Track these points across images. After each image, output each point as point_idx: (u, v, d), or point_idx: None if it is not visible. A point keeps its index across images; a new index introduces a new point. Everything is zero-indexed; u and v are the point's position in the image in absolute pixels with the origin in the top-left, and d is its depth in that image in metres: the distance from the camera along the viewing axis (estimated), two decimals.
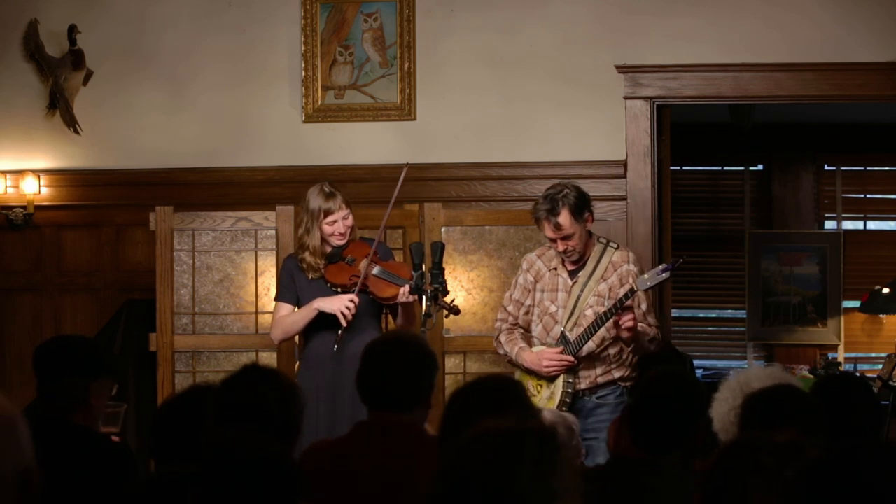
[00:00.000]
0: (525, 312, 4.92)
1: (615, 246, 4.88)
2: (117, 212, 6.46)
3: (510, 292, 5.00)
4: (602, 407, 4.73)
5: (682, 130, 7.20)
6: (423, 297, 4.64)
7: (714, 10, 6.13)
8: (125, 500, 3.07)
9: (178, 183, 6.36)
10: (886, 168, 9.11)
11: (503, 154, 6.22)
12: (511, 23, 6.23)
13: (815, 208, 9.03)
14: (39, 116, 6.49)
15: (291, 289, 4.99)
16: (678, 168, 8.62)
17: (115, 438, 3.49)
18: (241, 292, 5.80)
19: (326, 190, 4.92)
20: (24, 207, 6.47)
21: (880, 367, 7.17)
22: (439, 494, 1.85)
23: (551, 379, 4.77)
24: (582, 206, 4.73)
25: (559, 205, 4.69)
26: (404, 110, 6.26)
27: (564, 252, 4.77)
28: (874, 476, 1.82)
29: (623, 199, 6.06)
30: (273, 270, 5.74)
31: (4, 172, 6.52)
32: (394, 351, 3.18)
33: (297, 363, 5.69)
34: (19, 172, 6.48)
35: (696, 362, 7.84)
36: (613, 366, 4.80)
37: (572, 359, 4.71)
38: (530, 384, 4.80)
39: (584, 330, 4.69)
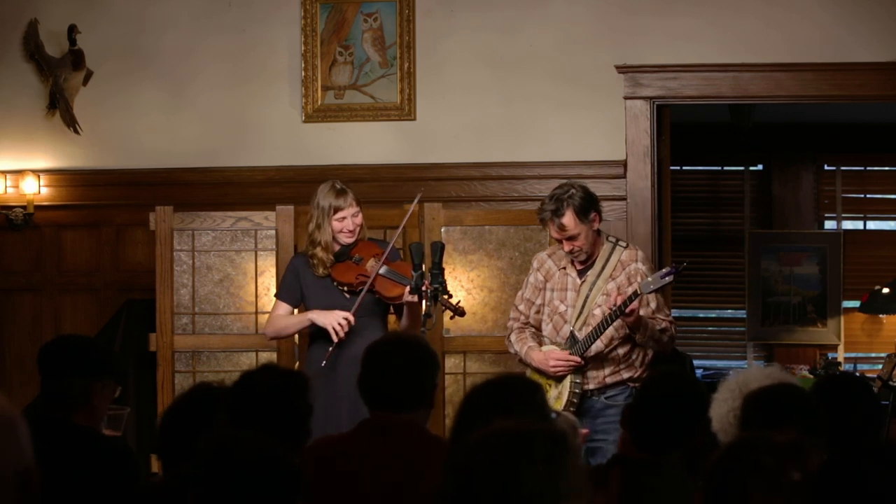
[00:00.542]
0: (536, 312, 4.92)
1: (624, 245, 4.87)
2: (117, 212, 6.46)
3: (521, 291, 5.01)
4: (611, 408, 4.71)
5: (682, 130, 7.20)
6: (423, 297, 4.64)
7: (714, 10, 6.13)
8: (128, 502, 3.07)
9: (178, 183, 6.36)
10: (886, 168, 9.11)
11: (503, 154, 6.22)
12: (511, 23, 6.23)
13: (815, 208, 9.03)
14: (39, 116, 6.49)
15: (293, 289, 4.99)
16: (678, 168, 8.62)
17: None
18: (241, 292, 5.80)
19: (338, 187, 4.94)
20: (24, 207, 6.47)
21: (880, 367, 7.17)
22: (448, 494, 1.85)
23: (559, 379, 4.76)
24: (588, 206, 4.72)
25: (563, 206, 4.69)
26: (404, 110, 6.26)
27: (571, 252, 4.77)
28: (875, 477, 1.82)
29: (623, 199, 6.06)
30: (273, 270, 5.74)
31: (4, 172, 6.52)
32: (395, 351, 3.17)
33: (297, 363, 5.70)
34: (19, 172, 6.48)
35: (696, 362, 7.84)
36: (622, 366, 4.79)
37: (579, 359, 4.71)
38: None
39: (592, 330, 4.69)
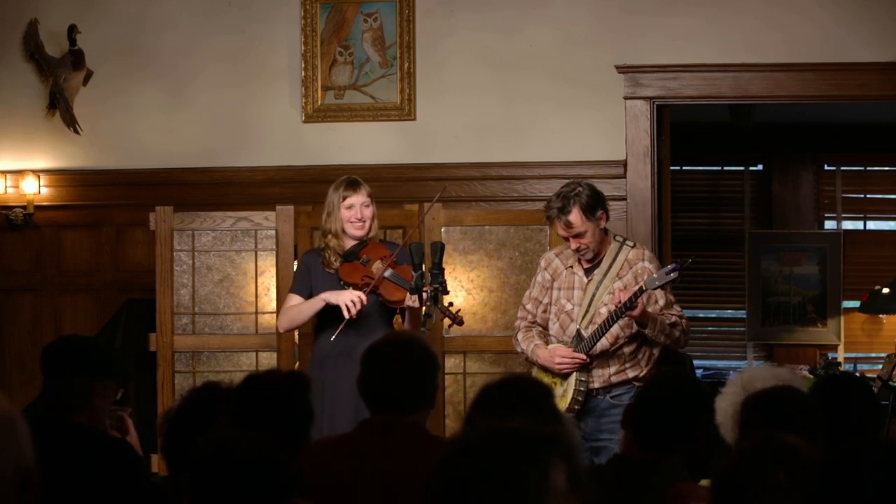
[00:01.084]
0: (543, 311, 4.93)
1: (631, 244, 4.88)
2: (117, 212, 6.46)
3: (529, 291, 5.02)
4: (616, 407, 4.71)
5: (682, 130, 7.20)
6: (423, 297, 4.64)
7: (714, 10, 6.13)
8: (130, 501, 3.07)
9: (178, 183, 6.36)
10: (886, 168, 9.11)
11: (503, 154, 6.22)
12: (511, 23, 6.23)
13: (815, 208, 9.03)
14: (39, 116, 6.49)
15: (305, 282, 5.03)
16: (678, 168, 8.62)
17: None
18: (241, 292, 5.80)
19: (350, 179, 5.01)
20: (24, 207, 6.47)
21: (880, 367, 7.17)
22: (438, 492, 1.85)
23: (565, 377, 4.76)
24: (594, 204, 4.73)
25: (570, 203, 4.70)
26: (404, 110, 6.26)
27: (578, 250, 4.77)
28: (875, 477, 1.82)
29: (623, 199, 6.06)
30: (273, 270, 5.75)
31: (4, 172, 6.52)
32: (395, 353, 3.15)
33: (297, 363, 5.70)
34: (19, 172, 6.48)
35: (696, 362, 7.84)
36: (628, 365, 4.79)
37: (584, 357, 4.71)
38: (544, 381, 4.79)
39: (597, 328, 4.69)
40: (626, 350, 4.79)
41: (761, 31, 6.09)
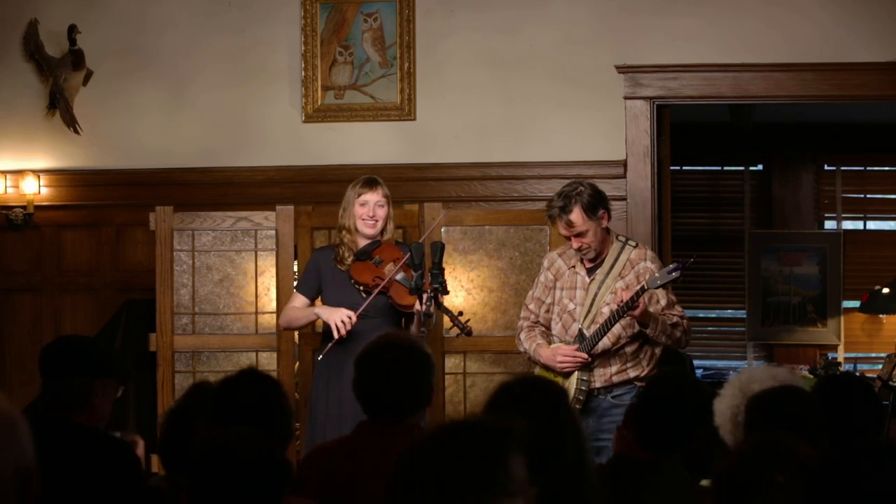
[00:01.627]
0: (546, 310, 4.93)
1: (633, 244, 4.88)
2: (117, 212, 6.46)
3: (532, 290, 5.03)
4: (618, 407, 4.70)
5: (682, 130, 7.20)
6: (423, 297, 4.64)
7: (714, 10, 6.13)
8: (130, 501, 3.07)
9: (178, 183, 6.36)
10: (886, 168, 9.11)
11: (503, 154, 6.22)
12: (511, 23, 6.23)
13: (815, 208, 9.03)
14: (39, 116, 6.49)
15: (312, 283, 5.06)
16: (678, 168, 8.62)
17: None
18: (241, 292, 5.80)
19: (369, 177, 5.05)
20: (24, 207, 6.47)
21: (880, 367, 7.16)
22: (397, 490, 1.86)
23: (566, 375, 4.77)
24: (596, 204, 4.74)
25: (572, 202, 4.71)
26: (404, 110, 6.26)
27: (579, 249, 4.78)
28: (875, 477, 1.82)
29: (623, 199, 6.06)
30: (273, 270, 5.75)
31: (4, 172, 6.52)
32: (389, 356, 3.14)
33: (297, 363, 5.70)
34: (19, 172, 6.48)
35: (696, 362, 7.84)
36: (629, 364, 4.78)
37: (586, 356, 4.71)
38: None
39: (599, 327, 4.69)
40: (628, 350, 4.79)
41: (761, 31, 6.09)
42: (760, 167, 9.13)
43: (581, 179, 4.97)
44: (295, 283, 5.45)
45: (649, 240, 5.99)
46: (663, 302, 4.78)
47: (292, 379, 5.72)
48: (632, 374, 4.79)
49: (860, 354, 8.80)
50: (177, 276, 5.76)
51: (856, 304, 8.69)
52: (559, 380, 4.79)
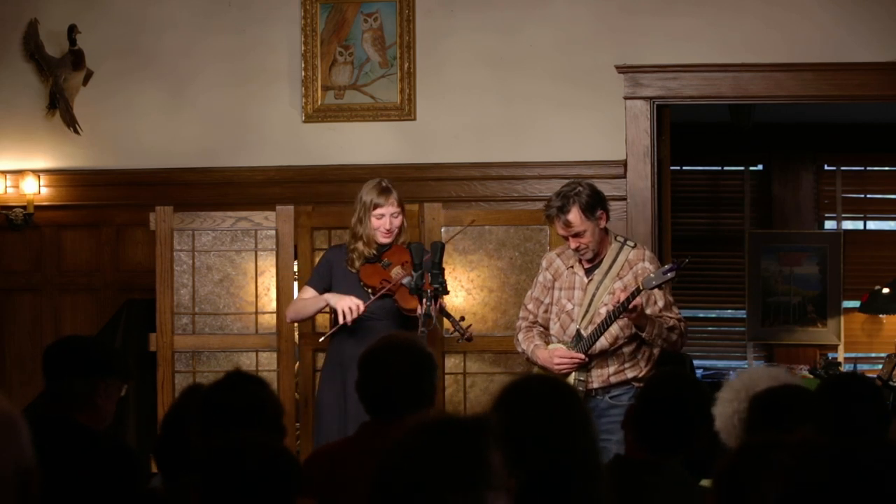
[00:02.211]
0: (544, 311, 4.93)
1: (632, 244, 4.88)
2: (117, 212, 6.46)
3: (531, 291, 5.03)
4: (615, 408, 4.71)
5: (682, 130, 7.19)
6: (423, 297, 4.65)
7: (714, 10, 6.13)
8: (131, 502, 3.07)
9: (178, 183, 6.36)
10: (886, 168, 9.11)
11: (503, 154, 6.22)
12: (511, 23, 6.23)
13: (815, 208, 9.03)
14: (39, 116, 6.49)
15: (323, 278, 5.08)
16: (678, 168, 8.62)
17: None
18: (241, 292, 5.80)
19: (383, 185, 5.04)
20: (24, 207, 6.47)
21: (880, 367, 7.16)
22: (380, 490, 1.86)
23: (564, 377, 4.77)
24: (594, 204, 4.74)
25: (570, 202, 4.71)
26: (404, 110, 6.26)
27: (577, 250, 4.78)
28: (874, 475, 1.82)
29: (623, 199, 6.06)
30: (273, 270, 5.75)
31: (4, 172, 6.52)
32: (391, 357, 3.16)
33: (297, 363, 5.70)
34: (19, 172, 6.48)
35: (696, 362, 7.84)
36: (627, 365, 4.78)
37: (583, 357, 4.71)
38: None
39: (595, 327, 4.69)
40: (626, 350, 4.79)
41: (761, 31, 6.09)
42: (760, 167, 9.13)
43: (580, 179, 4.97)
44: (296, 282, 5.47)
45: (649, 240, 5.99)
46: (661, 303, 4.77)
47: (292, 379, 5.72)
48: (630, 374, 4.78)
49: (860, 354, 8.80)
50: (177, 276, 5.76)
51: (856, 304, 8.69)
52: None
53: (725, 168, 9.28)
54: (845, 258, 8.84)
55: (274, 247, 5.76)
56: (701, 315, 9.15)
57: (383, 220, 4.98)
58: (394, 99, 6.27)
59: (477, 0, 6.25)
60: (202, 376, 5.58)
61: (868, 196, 9.07)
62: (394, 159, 6.26)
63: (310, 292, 5.10)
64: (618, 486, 2.92)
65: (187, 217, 5.79)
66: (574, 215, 4.70)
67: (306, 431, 5.52)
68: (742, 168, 9.15)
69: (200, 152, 6.40)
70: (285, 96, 6.35)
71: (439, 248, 4.68)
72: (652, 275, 4.60)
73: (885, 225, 9.12)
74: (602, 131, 6.15)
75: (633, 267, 4.81)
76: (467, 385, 5.68)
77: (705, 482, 3.15)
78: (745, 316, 8.98)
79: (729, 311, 9.21)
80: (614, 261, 4.82)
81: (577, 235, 4.73)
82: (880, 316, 8.69)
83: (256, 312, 5.77)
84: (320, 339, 5.00)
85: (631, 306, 4.54)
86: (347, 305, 4.84)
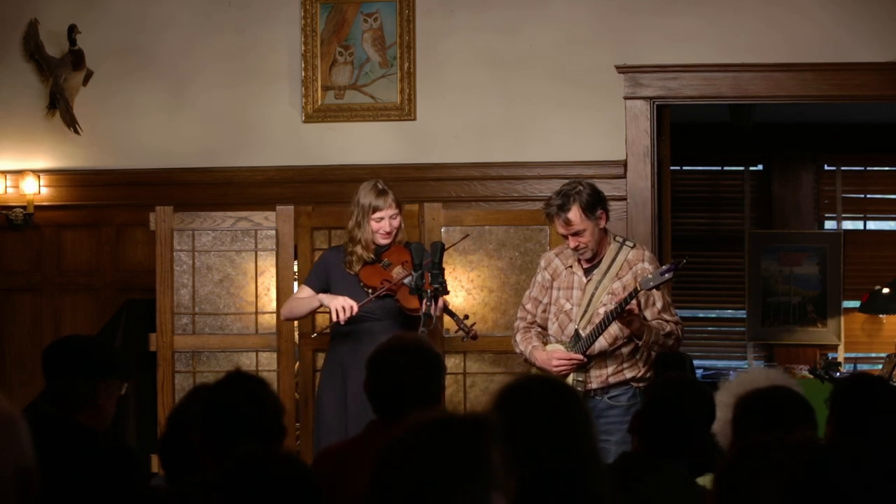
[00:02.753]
0: (543, 311, 4.93)
1: (631, 244, 4.88)
2: (117, 212, 6.46)
3: (529, 291, 5.03)
4: (614, 408, 4.71)
5: (682, 130, 7.19)
6: (423, 297, 4.65)
7: (714, 10, 6.13)
8: (131, 502, 3.07)
9: (178, 183, 6.36)
10: (886, 168, 9.11)
11: (503, 154, 6.22)
12: (511, 23, 6.23)
13: (815, 208, 9.03)
14: (39, 116, 6.49)
15: (320, 278, 5.07)
16: (678, 168, 8.62)
17: None
18: (241, 292, 5.80)
19: (379, 187, 5.02)
20: (24, 207, 6.47)
21: (880, 367, 7.16)
22: (378, 489, 1.85)
23: (563, 377, 4.77)
24: (594, 203, 4.74)
25: (570, 201, 4.71)
26: (404, 110, 6.26)
27: (576, 249, 4.78)
28: (873, 477, 1.82)
29: (623, 199, 6.06)
30: (273, 270, 5.75)
31: (4, 172, 6.52)
32: (400, 358, 3.17)
33: (297, 363, 5.71)
34: (19, 172, 6.48)
35: (696, 362, 7.83)
36: (626, 365, 4.78)
37: (581, 358, 4.71)
38: None
39: (594, 328, 4.69)
40: (625, 350, 4.79)
41: (761, 31, 6.09)
42: (760, 167, 9.13)
43: (580, 179, 4.97)
44: (296, 282, 5.47)
45: (649, 240, 5.99)
46: (659, 304, 4.77)
47: (292, 379, 5.72)
48: (628, 374, 4.78)
49: (860, 354, 8.80)
50: (177, 276, 5.76)
51: (856, 304, 8.69)
52: None
53: (725, 168, 9.28)
54: (845, 258, 8.84)
55: (274, 247, 5.76)
56: (701, 315, 9.15)
57: (383, 223, 4.98)
58: (394, 99, 6.27)
59: (477, 0, 6.25)
60: (202, 376, 5.58)
61: (868, 196, 9.07)
62: (394, 159, 6.26)
63: (306, 291, 5.10)
64: (622, 485, 2.92)
65: (187, 217, 5.79)
66: (574, 214, 4.70)
67: (306, 431, 5.53)
68: (742, 168, 9.15)
69: (200, 152, 6.40)
70: (285, 96, 6.35)
71: (439, 248, 4.68)
72: (650, 275, 4.60)
73: (885, 225, 9.13)
74: (602, 131, 6.15)
75: (632, 267, 4.81)
76: (467, 385, 5.68)
77: (701, 480, 3.15)
78: (745, 316, 8.98)
79: (729, 311, 9.21)
80: (613, 261, 4.82)
81: (576, 234, 4.73)
82: (880, 316, 8.69)
83: (256, 312, 5.78)
84: (312, 336, 5.00)
85: (627, 310, 4.53)
86: (341, 305, 4.85)
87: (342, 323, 4.85)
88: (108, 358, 3.33)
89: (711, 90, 6.14)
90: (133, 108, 6.45)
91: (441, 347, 5.52)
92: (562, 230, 4.77)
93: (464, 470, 1.80)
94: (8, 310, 6.58)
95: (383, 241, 5.00)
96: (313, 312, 5.22)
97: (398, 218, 5.02)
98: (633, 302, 4.55)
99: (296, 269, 5.68)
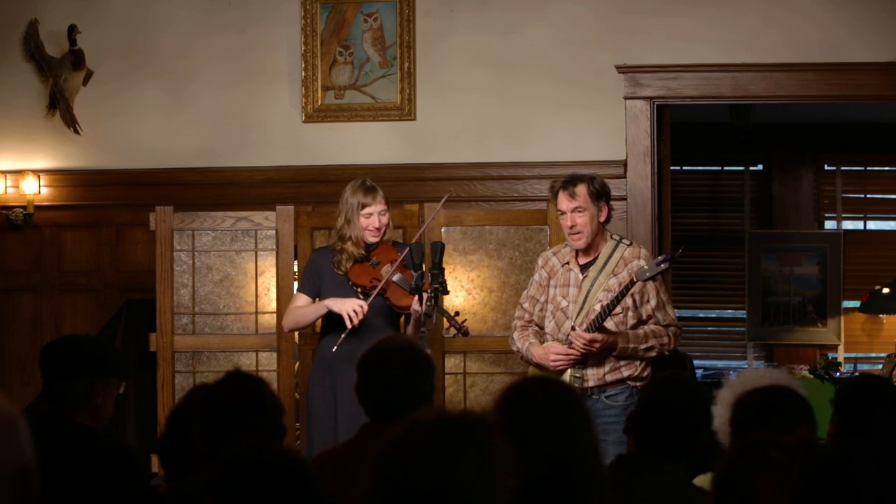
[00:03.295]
0: (540, 309, 4.94)
1: (628, 242, 4.90)
2: (117, 212, 6.46)
3: (527, 290, 5.03)
4: (611, 409, 4.71)
5: (682, 130, 7.20)
6: (423, 297, 4.64)
7: (714, 10, 6.13)
8: (131, 502, 3.07)
9: (178, 183, 6.36)
10: (886, 168, 9.11)
11: (503, 154, 6.22)
12: (511, 23, 6.23)
13: (815, 208, 9.03)
14: (39, 116, 6.49)
15: (313, 282, 5.05)
16: (678, 168, 8.62)
17: None
18: (241, 292, 5.80)
19: (367, 184, 5.02)
20: (24, 207, 6.47)
21: (880, 367, 7.17)
22: (378, 489, 1.85)
23: (560, 374, 4.77)
24: (602, 192, 4.82)
25: (581, 180, 4.81)
26: (404, 110, 6.26)
27: (572, 229, 4.78)
28: (874, 476, 1.82)
29: (623, 199, 6.06)
30: (273, 270, 5.75)
31: (4, 172, 6.52)
32: (388, 360, 3.17)
33: (297, 363, 5.70)
34: (19, 172, 6.48)
35: (696, 362, 7.83)
36: (623, 363, 4.78)
37: (578, 354, 4.71)
38: None
39: (589, 324, 4.69)
40: None
41: (761, 31, 6.09)
42: (760, 167, 9.13)
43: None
44: (296, 286, 5.44)
45: (649, 240, 5.99)
46: (653, 302, 4.77)
47: (292, 379, 5.72)
48: (625, 373, 4.78)
49: (860, 354, 8.81)
50: (177, 276, 5.76)
51: (856, 304, 8.69)
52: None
53: (725, 168, 9.28)
54: (845, 258, 8.84)
55: (274, 247, 5.76)
56: (701, 315, 9.16)
57: (372, 219, 4.95)
58: (394, 99, 6.27)
59: (477, 0, 6.25)
60: (202, 376, 5.58)
61: (868, 196, 9.07)
62: (394, 159, 6.26)
63: (303, 299, 5.06)
64: (619, 487, 2.92)
65: (187, 217, 5.79)
66: (581, 190, 4.77)
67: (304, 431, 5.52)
68: (742, 168, 9.15)
69: (200, 152, 6.40)
70: (285, 96, 6.36)
71: (439, 249, 4.68)
72: (645, 266, 4.61)
73: (885, 225, 9.13)
74: (602, 131, 6.15)
75: (627, 264, 4.81)
76: (467, 385, 5.68)
77: (699, 480, 3.15)
78: (745, 316, 8.98)
79: (729, 311, 9.21)
80: (609, 258, 4.84)
81: (577, 211, 4.75)
82: (880, 316, 8.69)
83: (256, 312, 5.77)
84: (333, 348, 4.85)
85: (589, 339, 4.58)
86: (352, 308, 4.83)
87: (357, 325, 4.82)
88: (105, 357, 3.33)
89: (711, 90, 6.14)
90: (133, 108, 6.45)
91: (441, 348, 5.52)
92: (564, 205, 4.78)
93: (459, 468, 1.80)
94: (8, 310, 6.58)
95: (372, 239, 4.97)
96: (324, 322, 5.16)
97: (387, 215, 5.00)
98: (587, 335, 4.59)
99: (296, 268, 5.68)
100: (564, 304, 4.85)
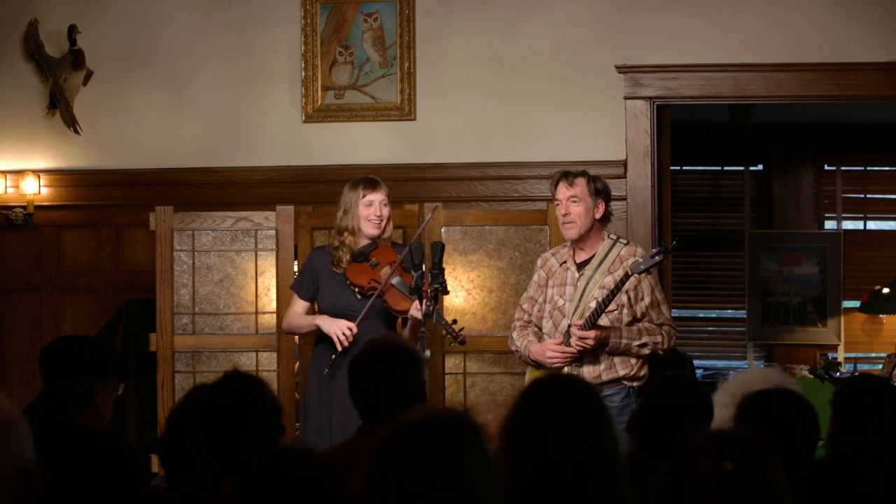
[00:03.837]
0: (538, 309, 4.95)
1: (625, 242, 4.91)
2: (117, 212, 6.46)
3: (526, 291, 5.05)
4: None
5: (682, 130, 7.20)
6: (423, 298, 4.64)
7: (714, 10, 6.13)
8: (131, 502, 3.07)
9: (178, 183, 6.36)
10: (886, 168, 9.12)
11: (503, 154, 6.22)
12: (511, 23, 6.23)
13: (815, 208, 9.04)
14: (39, 116, 6.49)
15: (309, 285, 5.04)
16: (678, 168, 8.62)
17: None
18: (241, 292, 5.80)
19: (370, 177, 5.03)
20: (24, 207, 6.47)
21: (880, 367, 7.17)
22: (374, 488, 1.85)
23: (557, 370, 4.78)
24: (602, 190, 4.86)
25: (581, 174, 4.86)
26: (404, 110, 6.26)
27: (565, 217, 4.79)
28: (873, 476, 1.82)
29: (623, 199, 6.06)
30: (273, 270, 5.75)
31: (4, 172, 6.52)
32: (376, 362, 3.20)
33: (297, 363, 5.70)
34: (19, 172, 6.48)
35: (696, 362, 7.84)
36: (617, 360, 4.79)
37: (574, 351, 4.72)
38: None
39: (586, 319, 4.70)
40: None
41: (761, 31, 6.09)
42: (760, 167, 9.13)
43: None
44: (291, 285, 5.43)
45: (649, 240, 5.99)
46: (647, 300, 4.78)
47: (292, 379, 5.72)
48: (621, 371, 4.78)
49: (860, 354, 8.81)
50: (177, 276, 5.76)
51: (856, 304, 8.69)
52: None
53: (725, 168, 9.29)
54: (845, 258, 8.84)
55: (274, 247, 5.76)
56: (701, 315, 9.16)
57: (373, 208, 4.92)
58: (394, 99, 6.27)
59: (477, 0, 6.25)
60: (202, 376, 5.58)
61: (868, 196, 9.08)
62: (394, 159, 6.26)
63: (300, 304, 5.05)
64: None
65: (187, 217, 5.79)
66: (580, 181, 4.81)
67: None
68: (742, 168, 9.16)
69: (200, 152, 6.40)
70: (285, 96, 6.36)
71: (439, 249, 4.67)
72: (640, 259, 4.61)
73: (885, 225, 9.13)
74: (602, 131, 6.15)
75: (623, 262, 4.82)
76: (467, 385, 5.68)
77: None
78: (745, 316, 8.99)
79: (729, 311, 9.22)
80: (606, 256, 4.84)
81: (572, 200, 4.76)
82: (880, 316, 8.70)
83: (256, 312, 5.77)
84: (324, 371, 4.83)
85: (581, 337, 4.57)
86: (340, 330, 4.81)
87: (347, 346, 4.80)
88: (105, 357, 3.33)
89: (711, 90, 6.14)
90: (133, 109, 6.45)
91: (441, 348, 5.52)
92: (561, 193, 4.81)
93: (453, 467, 1.80)
94: (8, 310, 6.58)
95: (373, 230, 4.93)
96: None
97: (388, 207, 4.98)
98: (585, 333, 4.59)
99: (295, 268, 5.68)
100: (561, 303, 4.86)
